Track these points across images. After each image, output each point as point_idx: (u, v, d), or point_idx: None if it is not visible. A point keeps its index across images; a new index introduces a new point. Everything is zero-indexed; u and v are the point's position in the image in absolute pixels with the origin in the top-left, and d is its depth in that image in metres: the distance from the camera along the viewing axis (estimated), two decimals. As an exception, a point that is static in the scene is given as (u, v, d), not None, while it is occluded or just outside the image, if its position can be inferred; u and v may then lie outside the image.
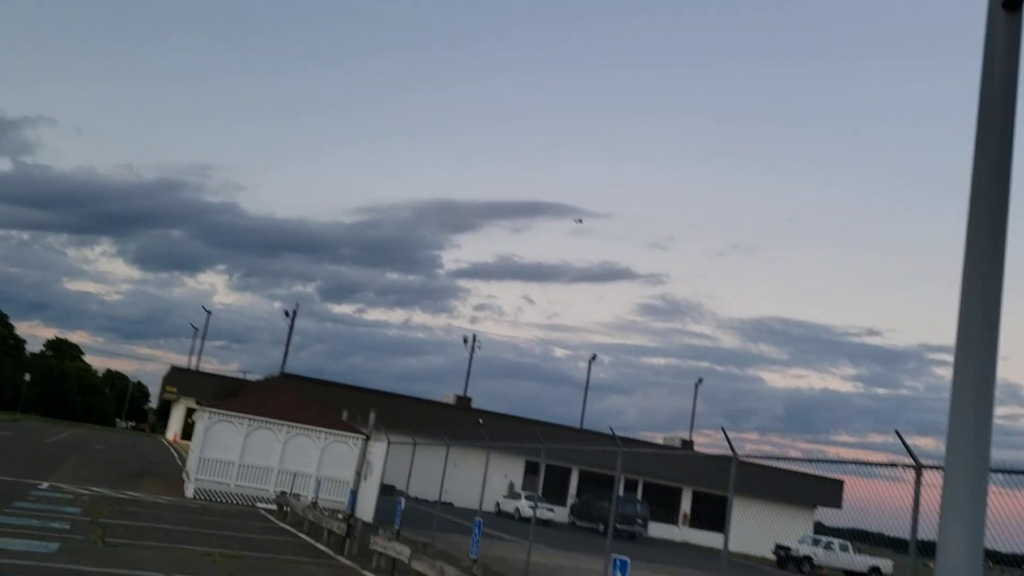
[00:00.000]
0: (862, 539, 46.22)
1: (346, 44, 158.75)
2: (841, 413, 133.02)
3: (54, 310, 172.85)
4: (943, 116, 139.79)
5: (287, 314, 65.76)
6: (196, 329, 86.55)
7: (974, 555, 4.95)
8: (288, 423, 31.55)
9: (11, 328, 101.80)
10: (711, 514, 56.76)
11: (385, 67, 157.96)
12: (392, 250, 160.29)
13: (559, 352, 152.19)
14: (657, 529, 52.72)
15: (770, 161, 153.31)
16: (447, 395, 59.78)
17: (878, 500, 12.44)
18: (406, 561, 16.13)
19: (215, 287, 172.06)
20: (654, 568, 28.68)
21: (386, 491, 31.15)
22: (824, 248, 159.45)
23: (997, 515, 9.34)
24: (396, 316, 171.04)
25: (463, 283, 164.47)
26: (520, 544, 26.16)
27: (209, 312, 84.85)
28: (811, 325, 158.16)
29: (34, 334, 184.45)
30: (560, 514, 49.03)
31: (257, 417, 31.25)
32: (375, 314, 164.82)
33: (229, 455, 30.72)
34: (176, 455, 50.88)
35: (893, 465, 11.04)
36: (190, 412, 56.38)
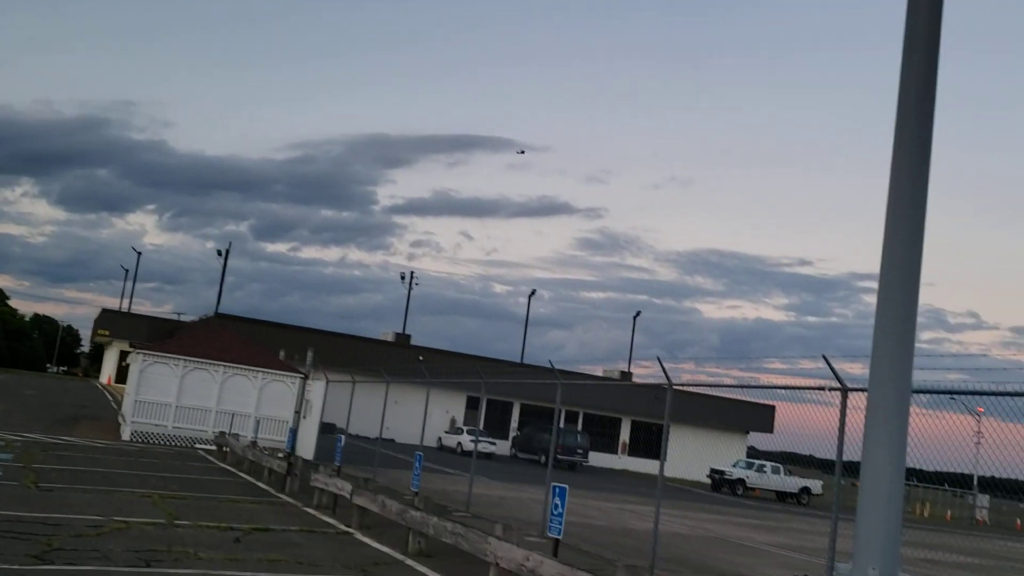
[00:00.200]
0: (793, 461, 47.79)
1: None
2: (774, 341, 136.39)
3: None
4: (870, 48, 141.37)
5: (220, 254, 64.57)
6: (127, 271, 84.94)
7: (896, 473, 5.13)
8: (225, 364, 31.24)
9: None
10: (649, 442, 58.09)
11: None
12: (326, 187, 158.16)
13: (499, 288, 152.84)
14: (597, 459, 53.81)
15: (705, 94, 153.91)
16: (386, 333, 59.72)
17: (808, 424, 12.79)
18: (347, 496, 16.21)
19: (145, 227, 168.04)
20: (593, 495, 29.31)
21: (326, 429, 31.19)
22: (757, 181, 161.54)
23: (921, 435, 9.69)
24: (332, 254, 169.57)
25: (399, 219, 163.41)
26: (462, 477, 26.48)
27: (139, 253, 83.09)
28: (745, 256, 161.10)
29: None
30: (502, 447, 49.70)
31: (193, 358, 30.88)
32: (310, 252, 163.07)
33: (165, 397, 30.38)
34: (111, 399, 50.15)
35: (820, 388, 11.35)
36: (124, 355, 55.45)
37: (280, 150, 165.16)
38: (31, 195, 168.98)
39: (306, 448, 29.47)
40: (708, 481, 48.70)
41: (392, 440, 42.25)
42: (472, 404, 52.92)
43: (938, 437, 9.95)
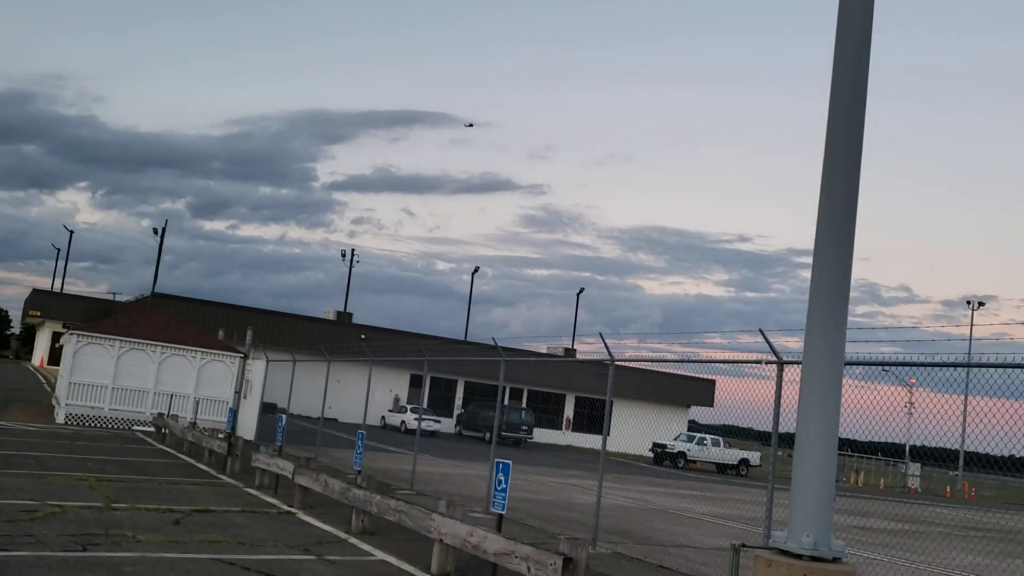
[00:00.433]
0: (733, 434, 48.68)
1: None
2: (714, 317, 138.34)
3: None
4: (805, 22, 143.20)
5: (156, 232, 63.39)
6: (59, 250, 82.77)
7: (829, 444, 5.24)
8: (162, 344, 30.71)
9: None
10: (593, 418, 58.67)
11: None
12: (264, 163, 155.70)
13: (442, 265, 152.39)
14: (542, 435, 54.19)
15: (645, 70, 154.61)
16: (327, 311, 59.20)
17: (747, 397, 13.02)
18: (289, 476, 16.09)
19: (77, 205, 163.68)
20: (538, 471, 29.53)
21: (268, 410, 30.88)
22: (697, 157, 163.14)
23: (856, 406, 9.91)
24: (271, 232, 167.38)
25: (339, 196, 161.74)
26: (406, 455, 26.46)
27: (71, 232, 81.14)
28: (686, 233, 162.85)
29: None
30: (447, 425, 49.76)
31: (129, 339, 30.29)
32: (249, 230, 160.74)
33: (101, 378, 29.78)
34: (44, 381, 49.02)
35: (758, 362, 11.54)
36: (57, 336, 54.17)
37: (217, 126, 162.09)
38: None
39: (247, 428, 29.16)
40: (651, 455, 49.38)
41: (335, 420, 42.02)
42: (415, 382, 52.83)
43: (872, 408, 10.19)
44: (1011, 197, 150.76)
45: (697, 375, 59.14)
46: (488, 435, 43.20)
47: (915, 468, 56.60)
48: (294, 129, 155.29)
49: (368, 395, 24.53)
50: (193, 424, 25.79)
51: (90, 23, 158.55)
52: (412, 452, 21.46)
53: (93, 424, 29.24)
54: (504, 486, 11.33)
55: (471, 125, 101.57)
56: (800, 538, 5.69)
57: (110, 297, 75.40)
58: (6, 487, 14.43)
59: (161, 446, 25.10)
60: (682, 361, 14.54)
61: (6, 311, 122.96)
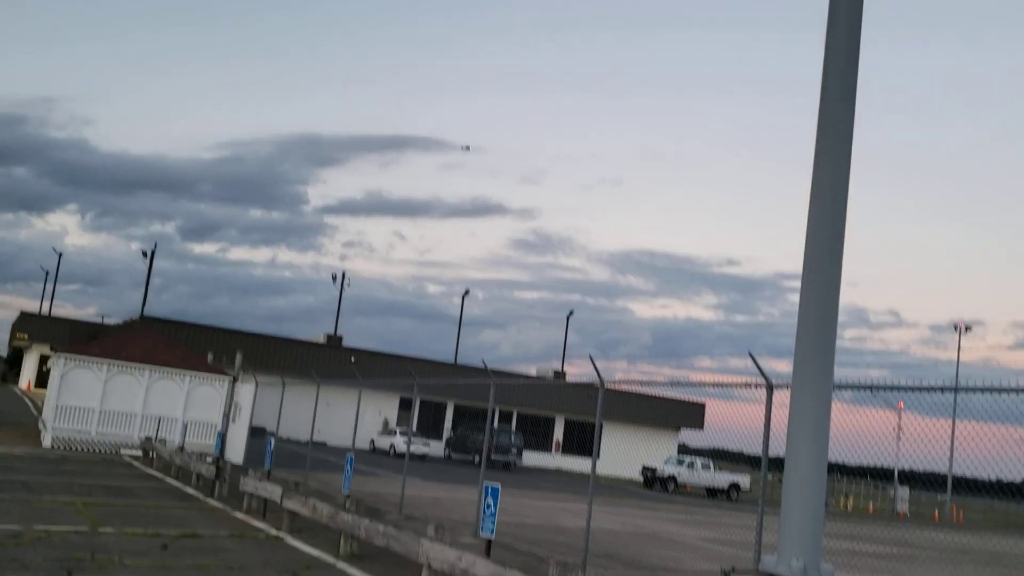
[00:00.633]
0: (723, 458, 48.63)
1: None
2: (704, 340, 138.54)
3: None
4: (794, 51, 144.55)
5: (145, 255, 63.18)
6: (47, 272, 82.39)
7: (818, 467, 5.26)
8: (150, 367, 30.57)
9: None
10: (582, 441, 58.52)
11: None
12: (255, 186, 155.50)
13: (433, 288, 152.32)
14: (531, 458, 54.02)
15: (634, 96, 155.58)
16: (318, 335, 59.01)
17: (736, 421, 13.03)
18: (278, 500, 16.00)
19: (67, 228, 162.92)
20: (527, 494, 29.43)
21: (256, 433, 30.74)
22: (686, 182, 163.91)
23: (845, 430, 9.94)
24: (261, 255, 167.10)
25: (331, 219, 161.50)
26: (395, 478, 26.34)
27: (60, 254, 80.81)
28: (675, 256, 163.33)
29: None
30: (436, 448, 49.55)
31: (117, 361, 30.15)
32: (239, 253, 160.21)
33: (89, 402, 29.61)
34: (31, 405, 48.67)
35: (747, 385, 11.56)
36: (44, 359, 53.86)
37: (208, 149, 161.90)
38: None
39: (235, 452, 29.00)
40: (641, 478, 49.26)
41: (324, 443, 41.80)
42: (405, 405, 52.66)
43: (861, 432, 10.22)
44: (998, 222, 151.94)
45: (687, 398, 59.21)
46: (478, 458, 43.05)
47: (904, 492, 56.60)
48: (285, 153, 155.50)
49: (357, 418, 24.45)
50: (181, 448, 25.64)
51: (81, 47, 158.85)
52: (401, 476, 21.37)
53: (80, 448, 29.03)
54: (493, 510, 11.30)
55: (468, 148, 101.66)
56: (790, 562, 5.70)
57: (99, 320, 75.05)
58: (-8, 511, 14.31)
59: (149, 470, 24.94)
60: (671, 384, 14.55)
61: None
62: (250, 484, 17.88)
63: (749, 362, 11.28)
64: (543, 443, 58.83)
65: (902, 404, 10.07)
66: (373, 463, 35.74)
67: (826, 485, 5.10)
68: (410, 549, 11.35)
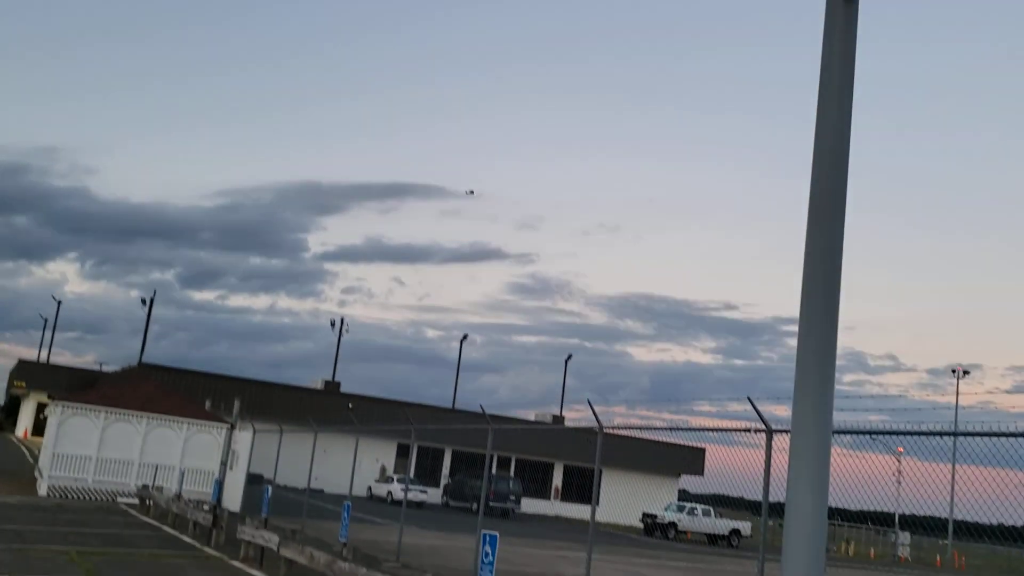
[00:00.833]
0: (723, 503, 48.20)
1: (197, 16, 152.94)
2: (703, 384, 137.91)
3: None
4: (789, 99, 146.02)
5: (144, 302, 63.22)
6: (45, 320, 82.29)
7: (819, 513, 5.26)
8: (148, 414, 30.43)
9: None
10: (582, 487, 58.08)
11: (244, 43, 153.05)
12: (255, 234, 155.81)
13: (431, 333, 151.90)
14: (530, 504, 53.56)
15: (631, 142, 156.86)
16: (315, 381, 58.88)
17: (737, 466, 13.01)
18: (275, 548, 15.88)
19: (66, 276, 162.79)
20: (526, 542, 29.16)
21: (254, 480, 30.52)
22: (683, 226, 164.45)
23: (845, 475, 9.92)
24: (261, 302, 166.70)
25: (330, 266, 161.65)
26: (392, 526, 26.12)
27: (59, 302, 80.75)
28: (673, 300, 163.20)
29: None
30: (434, 495, 49.18)
31: (114, 409, 30.02)
32: (238, 300, 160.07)
33: (85, 449, 29.42)
34: (28, 453, 48.34)
35: (747, 430, 11.56)
36: (42, 407, 53.61)
37: (208, 197, 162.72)
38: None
39: (233, 499, 28.77)
40: (641, 525, 48.83)
41: (321, 490, 41.49)
42: (403, 452, 52.36)
43: (861, 477, 10.20)
44: (994, 266, 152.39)
45: (687, 443, 58.89)
46: (476, 505, 42.71)
47: (905, 537, 56.11)
48: (285, 200, 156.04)
49: (355, 465, 24.31)
50: (178, 495, 25.45)
51: (84, 96, 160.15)
52: (399, 523, 21.21)
53: (76, 496, 28.80)
54: (491, 559, 11.22)
55: (472, 192, 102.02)
56: (792, 609, 5.65)
57: (97, 367, 74.79)
58: (-14, 561, 14.19)
59: (145, 518, 24.73)
60: (671, 429, 14.54)
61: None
62: (247, 532, 17.75)
63: (749, 407, 11.29)
64: (542, 490, 58.39)
65: (901, 449, 10.07)
66: (370, 511, 35.45)
67: (827, 531, 5.11)
68: (409, 598, 11.26)
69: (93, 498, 28.93)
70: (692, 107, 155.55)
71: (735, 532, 48.78)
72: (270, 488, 23.09)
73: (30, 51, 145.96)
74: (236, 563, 17.07)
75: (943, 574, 41.48)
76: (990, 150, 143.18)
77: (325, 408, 47.57)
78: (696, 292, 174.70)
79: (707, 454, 58.58)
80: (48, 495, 28.41)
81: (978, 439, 8.56)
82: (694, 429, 14.16)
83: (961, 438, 8.88)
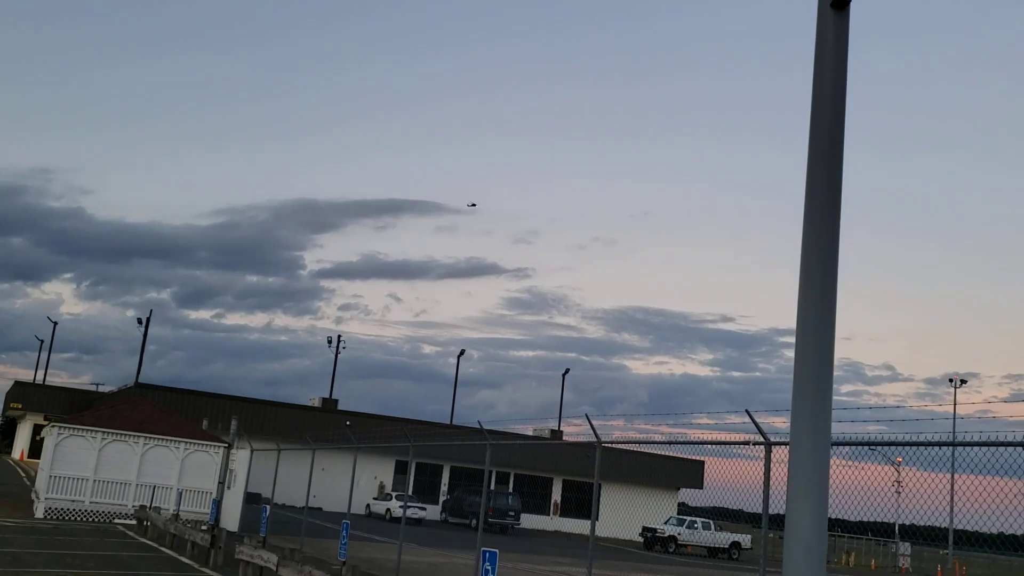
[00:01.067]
0: (723, 516, 48.07)
1: (192, 38, 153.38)
2: (701, 396, 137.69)
3: None
4: (783, 112, 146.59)
5: (140, 322, 63.11)
6: (41, 341, 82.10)
7: (818, 525, 5.24)
8: (145, 435, 30.33)
9: None
10: (581, 501, 57.93)
11: (238, 63, 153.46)
12: (251, 252, 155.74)
13: (428, 349, 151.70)
14: (529, 520, 53.37)
15: (626, 156, 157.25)
16: (313, 399, 58.75)
17: (736, 478, 12.97)
18: (273, 568, 15.79)
19: (62, 296, 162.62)
20: (526, 558, 29.05)
21: (252, 499, 30.41)
22: (679, 239, 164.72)
23: (844, 486, 9.89)
24: (257, 320, 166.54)
25: (326, 283, 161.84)
26: (391, 544, 26.01)
27: (55, 323, 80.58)
28: (670, 313, 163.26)
29: None
30: (432, 512, 48.99)
31: (111, 430, 29.91)
32: (235, 318, 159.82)
33: (82, 471, 29.29)
34: (24, 475, 48.12)
35: (745, 443, 11.53)
36: (38, 429, 53.41)
37: (204, 216, 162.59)
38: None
39: (231, 519, 28.65)
40: (641, 539, 48.66)
41: (319, 508, 41.32)
42: (401, 468, 52.19)
43: (860, 488, 10.17)
44: (990, 275, 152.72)
45: (686, 456, 58.73)
46: (474, 522, 42.54)
47: (905, 547, 55.98)
48: (281, 218, 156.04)
49: (353, 483, 24.23)
50: (176, 516, 25.34)
51: (80, 118, 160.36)
52: (397, 541, 21.12)
53: (73, 518, 28.66)
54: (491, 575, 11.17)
55: (474, 205, 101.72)
56: (793, 622, 5.62)
57: (93, 388, 74.56)
58: (-17, 585, 14.10)
59: (143, 539, 24.61)
60: (669, 443, 14.50)
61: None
62: (245, 552, 17.66)
63: (746, 419, 11.27)
64: (541, 505, 58.21)
65: (900, 459, 10.05)
66: (369, 528, 35.31)
67: (827, 542, 5.09)
68: (409, 616, 11.20)
69: (90, 520, 28.78)
70: (687, 121, 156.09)
71: (735, 545, 48.63)
72: (268, 507, 23.00)
73: (25, 73, 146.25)
74: (234, 583, 16.99)
75: (945, 584, 41.37)
76: (986, 159, 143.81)
77: (323, 426, 47.42)
78: (693, 304, 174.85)
79: (706, 467, 58.49)
80: (45, 517, 28.26)
81: (977, 448, 8.54)
82: (693, 442, 14.13)
83: (960, 447, 8.87)
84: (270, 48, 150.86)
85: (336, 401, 58.15)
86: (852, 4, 5.22)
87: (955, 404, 60.48)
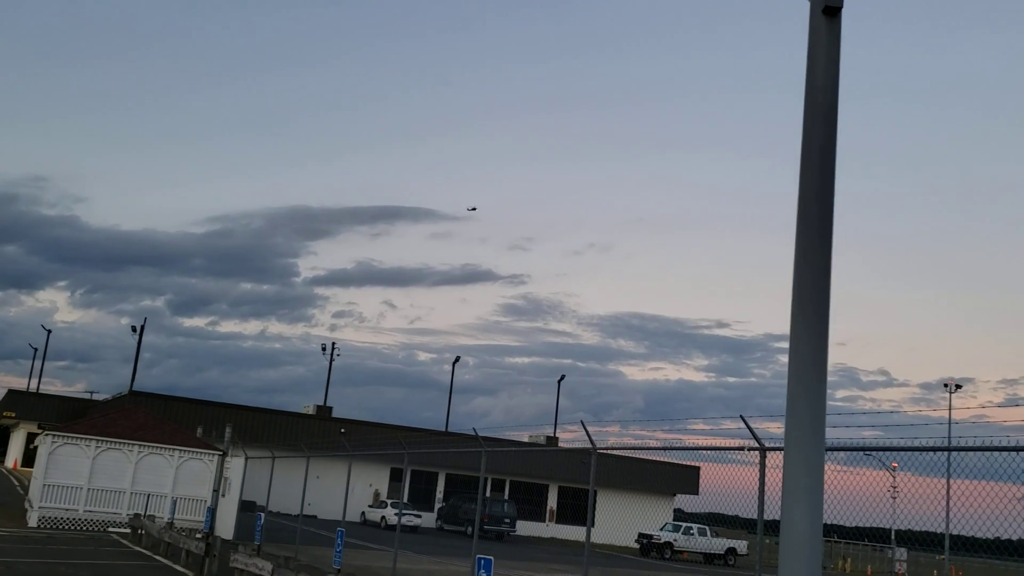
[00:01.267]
0: (719, 522, 48.05)
1: (185, 44, 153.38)
2: (697, 402, 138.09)
3: None
4: (777, 117, 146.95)
5: (135, 330, 62.94)
6: (35, 349, 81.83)
7: (814, 530, 5.22)
8: (139, 443, 30.22)
9: None
10: (577, 508, 57.86)
11: (232, 69, 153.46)
12: (245, 260, 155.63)
13: (423, 356, 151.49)
14: (525, 527, 53.26)
15: (620, 162, 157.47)
16: (307, 406, 58.62)
17: (731, 484, 12.94)
18: (269, 577, 15.74)
19: (56, 304, 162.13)
20: (522, 565, 28.99)
21: (246, 507, 30.31)
22: (674, 245, 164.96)
23: (840, 491, 9.89)
24: (251, 327, 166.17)
25: (321, 290, 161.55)
26: (386, 552, 25.94)
27: (49, 331, 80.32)
28: (665, 319, 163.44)
29: None
30: (428, 519, 48.87)
31: (105, 438, 29.80)
32: (229, 326, 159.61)
33: (76, 480, 29.17)
34: (17, 484, 47.92)
35: (740, 449, 11.53)
36: (32, 437, 53.21)
37: (198, 223, 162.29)
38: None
39: (225, 527, 28.54)
40: (637, 546, 48.59)
41: (314, 516, 41.19)
42: (396, 476, 52.08)
43: (856, 493, 10.17)
44: (985, 280, 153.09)
45: (682, 462, 58.75)
46: (470, 529, 42.45)
47: (901, 553, 55.96)
48: (275, 226, 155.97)
49: (348, 490, 24.17)
50: (170, 524, 25.23)
51: (73, 125, 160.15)
52: (392, 549, 21.06)
53: (67, 527, 28.53)
54: (489, 582, 11.13)
55: (474, 209, 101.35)
56: (789, 628, 5.60)
57: (87, 396, 74.34)
58: (-24, 595, 14.02)
59: (137, 548, 24.50)
60: (665, 449, 14.48)
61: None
62: (240, 560, 17.59)
63: (741, 425, 11.26)
64: (537, 511, 58.10)
65: (896, 464, 10.05)
66: (364, 536, 35.21)
67: (823, 548, 5.08)
68: (404, 624, 11.15)
69: (84, 528, 28.66)
70: (682, 128, 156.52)
71: (731, 551, 48.58)
72: (263, 515, 22.93)
73: (18, 80, 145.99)
74: (229, 592, 16.92)
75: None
76: (981, 163, 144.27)
77: (317, 433, 47.34)
78: (688, 310, 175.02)
79: (702, 473, 58.53)
80: (38, 526, 28.13)
81: (972, 453, 8.54)
82: (688, 448, 14.11)
83: (955, 453, 8.87)
84: (264, 56, 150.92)
85: (331, 409, 58.02)
86: (843, 10, 5.24)
87: (950, 409, 60.45)
